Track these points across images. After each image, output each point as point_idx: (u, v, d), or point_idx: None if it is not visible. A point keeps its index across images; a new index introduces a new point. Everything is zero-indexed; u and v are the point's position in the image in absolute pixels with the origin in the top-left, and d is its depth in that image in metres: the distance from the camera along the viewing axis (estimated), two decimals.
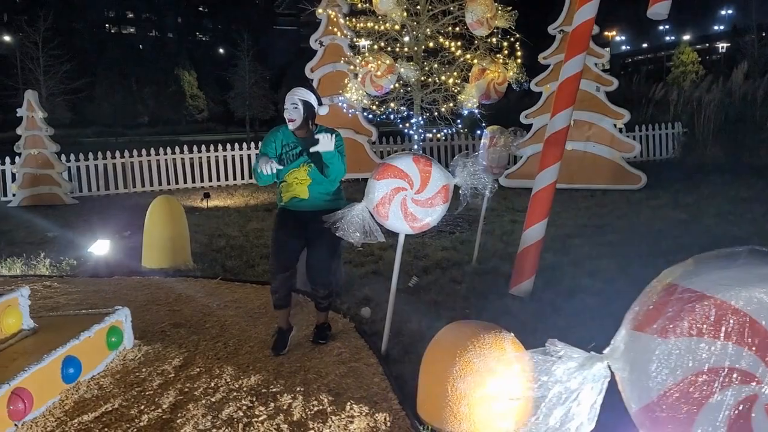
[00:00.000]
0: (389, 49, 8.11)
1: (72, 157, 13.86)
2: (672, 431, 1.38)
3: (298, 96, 4.14)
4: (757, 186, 10.55)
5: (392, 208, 4.01)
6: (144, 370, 4.03)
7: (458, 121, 8.74)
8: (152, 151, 14.24)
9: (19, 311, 3.98)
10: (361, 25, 8.13)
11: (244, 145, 14.74)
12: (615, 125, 11.30)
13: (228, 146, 14.63)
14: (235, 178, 14.70)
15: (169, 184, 14.34)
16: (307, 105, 4.15)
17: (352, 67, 9.57)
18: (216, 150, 14.54)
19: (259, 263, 6.78)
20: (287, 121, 4.15)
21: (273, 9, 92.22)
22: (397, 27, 8.00)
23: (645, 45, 76.65)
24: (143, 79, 59.33)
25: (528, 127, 11.87)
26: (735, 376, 1.46)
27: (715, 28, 72.79)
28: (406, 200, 4.02)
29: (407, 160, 4.03)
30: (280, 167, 4.15)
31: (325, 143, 3.98)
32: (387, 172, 4.01)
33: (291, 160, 4.20)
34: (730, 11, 71.71)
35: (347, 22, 8.60)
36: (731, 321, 1.45)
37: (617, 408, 1.60)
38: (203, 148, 14.50)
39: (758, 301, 1.45)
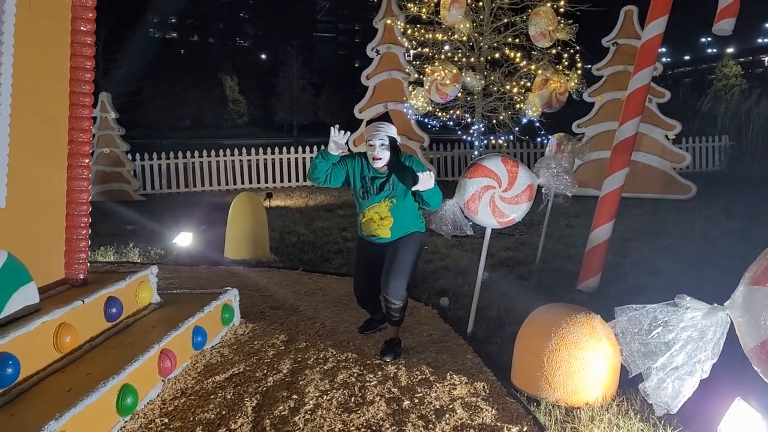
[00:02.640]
0: (455, 59, 8.55)
1: (137, 156, 14.58)
2: None
3: (385, 132, 3.91)
4: None
5: (481, 204, 4.45)
6: (256, 342, 4.52)
7: (516, 128, 9.14)
8: (212, 152, 14.91)
9: (150, 287, 4.51)
10: (429, 35, 8.60)
11: (300, 149, 15.31)
12: (667, 136, 11.57)
13: (284, 149, 15.24)
14: (289, 180, 15.29)
15: (227, 184, 14.98)
16: (393, 141, 3.95)
17: (410, 74, 10.10)
18: (273, 153, 15.15)
19: (334, 258, 7.26)
20: (372, 159, 3.94)
21: (313, 16, 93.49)
22: (464, 38, 8.45)
23: (687, 57, 75.74)
24: (187, 84, 60.65)
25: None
26: None
27: (759, 41, 71.62)
28: (494, 197, 4.45)
29: (496, 160, 4.47)
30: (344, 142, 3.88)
31: (425, 181, 3.81)
32: (478, 171, 4.45)
33: (371, 194, 4.01)
34: None
35: (413, 32, 9.06)
36: None
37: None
38: (260, 150, 15.12)
39: None
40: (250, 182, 15.11)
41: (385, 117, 4.10)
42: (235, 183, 15.05)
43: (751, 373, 3.20)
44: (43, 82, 3.82)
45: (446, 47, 8.80)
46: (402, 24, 9.10)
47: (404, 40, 9.14)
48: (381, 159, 3.92)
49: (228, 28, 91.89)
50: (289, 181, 15.30)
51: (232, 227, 7.43)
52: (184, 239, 7.93)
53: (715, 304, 1.98)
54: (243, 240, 7.34)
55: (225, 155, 14.99)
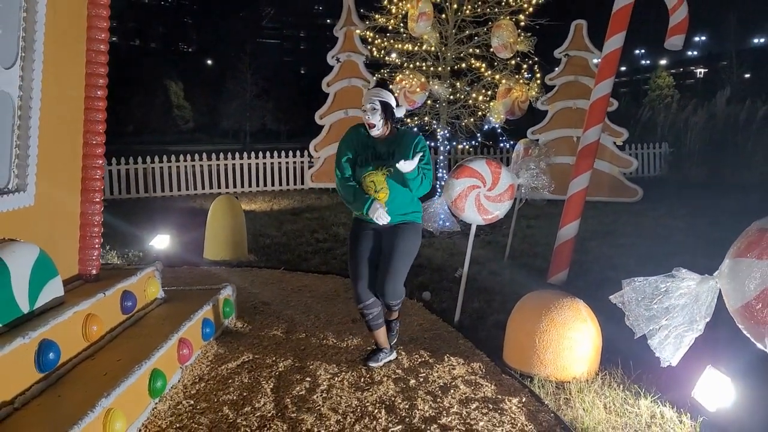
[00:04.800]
0: (423, 67, 8.96)
1: None
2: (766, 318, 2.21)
3: (377, 97, 3.86)
4: (741, 200, 11.57)
5: (468, 202, 4.85)
6: (258, 333, 4.79)
7: (479, 135, 9.61)
8: (173, 157, 14.90)
9: (157, 282, 4.72)
10: (399, 45, 8.99)
11: (261, 154, 15.46)
12: (614, 142, 12.30)
13: (244, 155, 15.37)
14: (249, 185, 15.41)
15: (187, 189, 14.99)
16: (386, 106, 3.86)
17: (370, 82, 10.45)
18: (234, 158, 15.26)
19: (312, 258, 7.55)
20: (367, 125, 3.89)
21: (258, 22, 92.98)
22: (433, 48, 8.88)
23: (623, 68, 78.81)
24: (130, 88, 59.51)
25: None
26: None
27: (689, 53, 75.18)
28: (479, 196, 4.85)
29: (481, 162, 4.87)
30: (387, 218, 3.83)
31: (406, 165, 3.69)
32: (464, 172, 4.84)
33: (368, 162, 3.89)
34: (703, 38, 74.38)
35: (381, 41, 9.42)
36: None
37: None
38: (221, 156, 15.20)
39: None
40: (211, 187, 15.16)
41: (380, 83, 4.17)
42: (195, 188, 15.07)
43: (720, 344, 3.70)
44: (63, 86, 4.00)
45: (398, 57, 9.18)
46: (368, 33, 9.43)
47: (372, 48, 9.46)
48: (374, 125, 3.85)
49: (171, 34, 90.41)
50: (249, 186, 15.42)
51: (211, 229, 7.62)
52: (161, 242, 8.05)
53: (706, 275, 2.42)
54: (223, 241, 7.55)
55: (185, 160, 15.00)
